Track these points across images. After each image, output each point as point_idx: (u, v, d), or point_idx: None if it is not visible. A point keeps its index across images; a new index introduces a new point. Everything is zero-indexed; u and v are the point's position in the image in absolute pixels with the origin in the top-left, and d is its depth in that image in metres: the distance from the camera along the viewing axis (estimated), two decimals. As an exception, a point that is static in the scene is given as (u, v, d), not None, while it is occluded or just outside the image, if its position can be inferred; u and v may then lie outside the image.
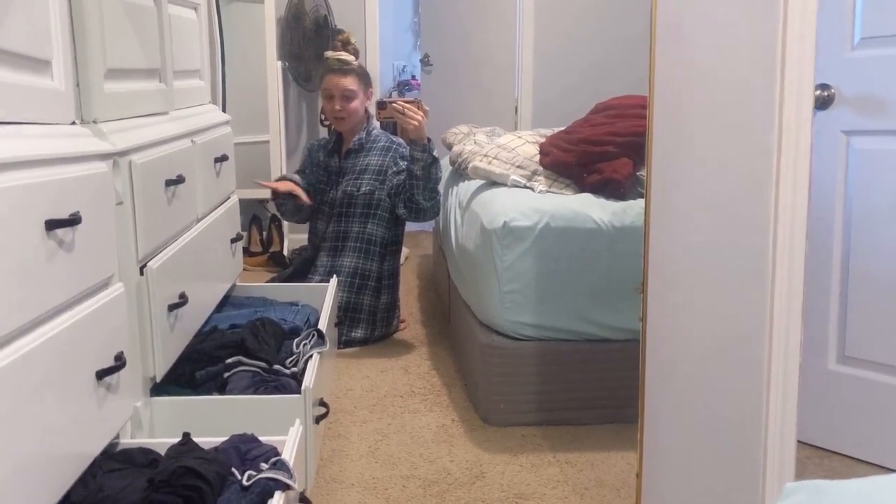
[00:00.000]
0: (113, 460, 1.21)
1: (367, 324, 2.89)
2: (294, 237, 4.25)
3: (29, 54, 1.15)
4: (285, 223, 4.16)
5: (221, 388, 1.68)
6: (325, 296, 2.29)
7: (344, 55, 2.99)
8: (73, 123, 1.33)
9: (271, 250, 4.13)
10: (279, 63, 3.90)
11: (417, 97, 2.95)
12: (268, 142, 3.95)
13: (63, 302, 1.13)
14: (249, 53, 3.84)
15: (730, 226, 1.36)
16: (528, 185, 2.43)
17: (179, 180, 1.70)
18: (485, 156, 2.57)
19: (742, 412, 1.37)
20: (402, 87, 6.09)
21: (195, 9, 2.12)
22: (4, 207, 0.97)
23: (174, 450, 1.20)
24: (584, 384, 2.23)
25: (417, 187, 2.76)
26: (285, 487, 1.15)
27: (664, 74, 1.44)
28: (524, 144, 2.60)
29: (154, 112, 1.72)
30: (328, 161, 3.03)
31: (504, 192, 2.41)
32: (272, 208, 4.12)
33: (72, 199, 1.17)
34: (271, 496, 1.13)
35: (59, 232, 1.12)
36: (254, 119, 3.87)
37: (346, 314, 2.84)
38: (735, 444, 1.39)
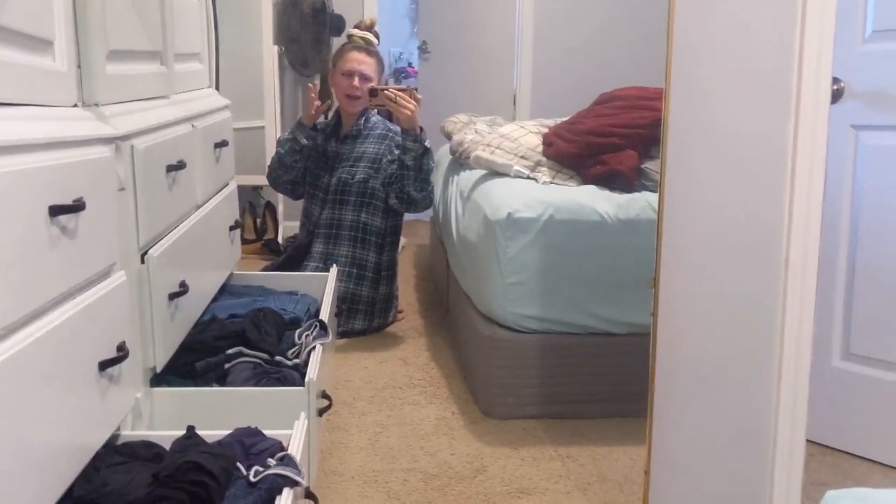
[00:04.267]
0: (116, 453, 1.17)
1: (366, 314, 2.86)
2: (288, 224, 4.20)
3: (30, 32, 1.11)
4: (280, 210, 4.12)
5: (222, 380, 1.65)
6: (325, 285, 2.25)
7: (369, 35, 2.93)
8: (75, 106, 1.28)
9: (265, 237, 4.09)
10: (275, 48, 3.84)
11: (411, 86, 2.89)
12: (262, 127, 3.90)
13: (66, 290, 1.09)
14: (244, 37, 3.78)
15: (744, 223, 1.34)
16: (531, 175, 2.40)
17: (180, 166, 1.66)
18: (487, 145, 2.53)
19: (752, 411, 1.35)
20: (399, 74, 6.04)
21: (196, -10, 2.08)
22: (8, 192, 0.93)
23: (179, 443, 1.17)
24: (587, 378, 2.21)
25: (408, 178, 2.71)
26: (293, 484, 1.12)
27: (682, 66, 1.41)
28: (527, 135, 2.56)
29: (155, 95, 1.68)
30: (325, 145, 2.98)
31: (507, 182, 2.38)
32: (266, 195, 4.08)
33: (75, 185, 1.13)
34: (279, 493, 1.10)
35: (63, 218, 1.08)
36: (248, 104, 3.81)
37: (343, 304, 2.80)
38: (744, 444, 1.37)
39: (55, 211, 1.05)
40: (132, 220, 1.43)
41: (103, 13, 1.36)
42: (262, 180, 3.70)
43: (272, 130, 3.85)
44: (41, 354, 0.99)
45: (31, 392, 0.96)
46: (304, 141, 2.90)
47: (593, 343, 2.21)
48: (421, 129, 2.67)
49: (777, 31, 1.25)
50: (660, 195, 1.46)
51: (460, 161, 2.84)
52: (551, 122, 2.73)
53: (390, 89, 2.65)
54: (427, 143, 2.67)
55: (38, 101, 1.13)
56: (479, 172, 2.57)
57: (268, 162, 3.77)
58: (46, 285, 1.02)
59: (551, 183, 2.36)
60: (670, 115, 1.43)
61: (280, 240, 4.05)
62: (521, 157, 2.45)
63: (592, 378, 2.21)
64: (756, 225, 1.31)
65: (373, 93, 2.74)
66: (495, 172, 2.49)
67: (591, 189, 2.31)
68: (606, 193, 2.26)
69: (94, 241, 1.19)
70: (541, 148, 2.50)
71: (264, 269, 2.95)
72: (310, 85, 2.94)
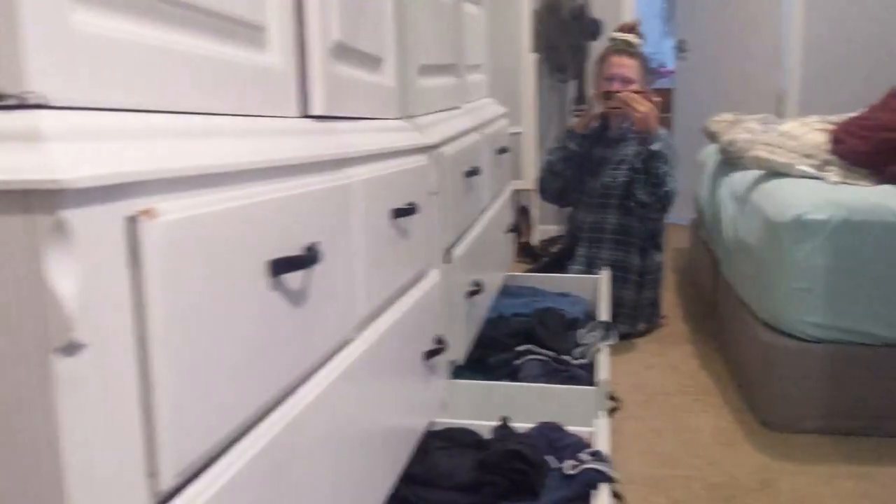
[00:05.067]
0: (438, 438, 1.27)
1: (629, 318, 2.84)
2: (543, 228, 4.28)
3: (373, 53, 1.23)
4: (534, 214, 4.20)
5: (512, 375, 1.72)
6: (595, 288, 2.27)
7: (631, 37, 2.93)
8: (398, 118, 1.41)
9: (521, 241, 4.19)
10: (533, 55, 3.92)
11: (649, 88, 2.81)
12: (520, 133, 4.00)
13: (403, 286, 1.20)
14: (502, 46, 3.90)
15: None
16: (818, 175, 2.26)
17: (475, 171, 1.76)
18: (766, 144, 2.42)
19: None
20: (650, 74, 5.92)
21: (478, 3, 2.18)
22: (368, 197, 1.04)
23: (498, 433, 1.24)
24: (884, 392, 2.04)
25: (637, 181, 2.64)
26: (609, 480, 1.14)
27: None
28: (811, 132, 2.41)
29: (452, 106, 1.79)
30: (590, 149, 2.99)
31: (790, 182, 2.25)
32: (522, 199, 4.17)
33: (406, 190, 1.24)
34: (595, 487, 1.13)
35: (401, 220, 1.18)
36: (507, 110, 3.92)
37: (607, 307, 2.80)
38: None
39: (396, 214, 1.16)
40: (440, 223, 1.54)
41: (418, 31, 1.48)
42: (517, 185, 3.80)
43: (530, 137, 3.94)
44: (388, 343, 1.10)
45: (381, 376, 1.07)
46: (575, 147, 2.94)
47: (891, 355, 2.03)
48: (658, 131, 2.60)
49: None
50: None
51: (731, 161, 2.73)
52: (837, 119, 2.54)
53: (624, 91, 2.62)
54: (655, 147, 2.59)
55: (375, 114, 1.25)
56: (754, 173, 2.46)
57: (524, 167, 3.88)
58: (393, 280, 1.13)
59: (841, 183, 2.20)
60: None
61: (535, 243, 4.12)
62: (806, 155, 2.31)
63: (891, 392, 2.03)
64: None
65: (608, 95, 2.72)
66: (775, 172, 2.37)
67: (888, 189, 2.12)
68: (907, 193, 2.07)
69: (419, 242, 1.30)
70: (827, 146, 2.34)
71: (530, 271, 3.02)
72: (595, 97, 2.95)
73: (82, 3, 0.54)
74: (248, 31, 0.82)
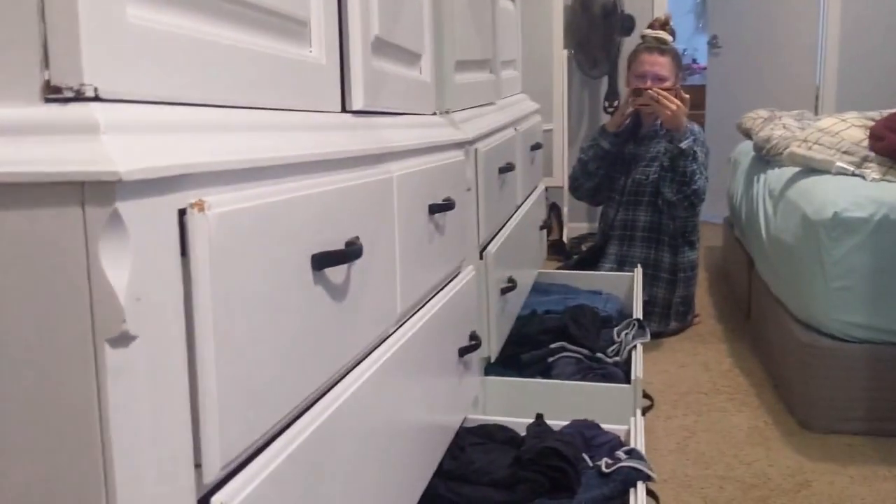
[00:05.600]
0: (473, 434, 1.27)
1: (661, 317, 2.81)
2: (573, 225, 4.26)
3: (411, 49, 1.23)
4: (564, 211, 4.18)
5: (545, 372, 1.71)
6: (629, 286, 2.25)
7: (662, 34, 2.89)
8: (434, 114, 1.40)
9: (551, 238, 4.17)
10: (564, 51, 3.90)
11: (677, 85, 2.78)
12: (551, 130, 3.98)
13: (440, 282, 1.20)
14: (534, 42, 3.88)
15: None
16: (857, 172, 2.22)
17: (509, 167, 1.75)
18: (804, 141, 2.38)
19: None
20: (683, 71, 5.87)
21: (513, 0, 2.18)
22: (407, 191, 1.04)
23: (533, 429, 1.24)
24: (926, 395, 2.00)
25: (664, 178, 2.62)
26: (646, 478, 1.13)
27: None
28: (850, 128, 2.37)
29: (486, 102, 1.78)
30: (622, 147, 2.97)
31: (828, 179, 2.21)
32: (552, 196, 4.16)
33: (442, 186, 1.24)
34: (633, 485, 1.12)
35: (437, 216, 1.18)
36: (539, 106, 3.91)
37: (638, 305, 2.78)
38: None
39: (433, 209, 1.15)
40: (474, 219, 1.53)
41: (453, 27, 1.47)
42: (547, 182, 3.78)
43: (560, 133, 3.92)
44: (425, 339, 1.10)
45: (417, 372, 1.07)
46: (607, 146, 2.92)
47: (935, 357, 1.99)
48: (688, 129, 2.57)
49: None
50: None
51: (767, 158, 2.70)
52: (876, 115, 2.50)
53: (654, 89, 2.59)
54: (684, 145, 2.55)
55: (413, 109, 1.25)
56: (791, 170, 2.42)
57: (555, 164, 3.86)
58: (430, 276, 1.13)
59: (881, 180, 2.16)
60: None
61: (566, 240, 4.10)
62: (845, 152, 2.27)
63: (933, 395, 2.00)
64: None
65: (636, 93, 2.70)
66: (812, 170, 2.33)
67: (931, 186, 2.08)
68: (950, 191, 2.03)
69: (455, 238, 1.30)
70: (866, 142, 2.30)
71: (561, 268, 3.01)
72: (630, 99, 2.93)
73: (134, -3, 0.55)
74: (292, 26, 0.82)
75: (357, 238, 0.80)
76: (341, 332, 0.80)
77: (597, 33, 4.02)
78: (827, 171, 2.27)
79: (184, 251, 0.54)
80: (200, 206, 0.54)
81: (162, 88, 0.57)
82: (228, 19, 0.69)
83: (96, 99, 0.50)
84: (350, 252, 0.76)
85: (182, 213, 0.54)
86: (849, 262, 2.01)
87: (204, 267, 0.54)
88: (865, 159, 2.24)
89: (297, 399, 0.70)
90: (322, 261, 0.71)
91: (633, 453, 1.19)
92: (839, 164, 2.25)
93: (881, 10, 3.90)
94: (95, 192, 0.47)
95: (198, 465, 0.57)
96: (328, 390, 0.79)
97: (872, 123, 2.37)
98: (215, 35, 0.65)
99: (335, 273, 0.76)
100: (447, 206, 1.19)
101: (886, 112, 2.48)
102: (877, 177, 2.18)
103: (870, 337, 2.02)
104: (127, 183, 0.47)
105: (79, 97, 0.49)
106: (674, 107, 2.55)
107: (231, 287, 0.58)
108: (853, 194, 2.05)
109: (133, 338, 0.50)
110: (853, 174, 2.22)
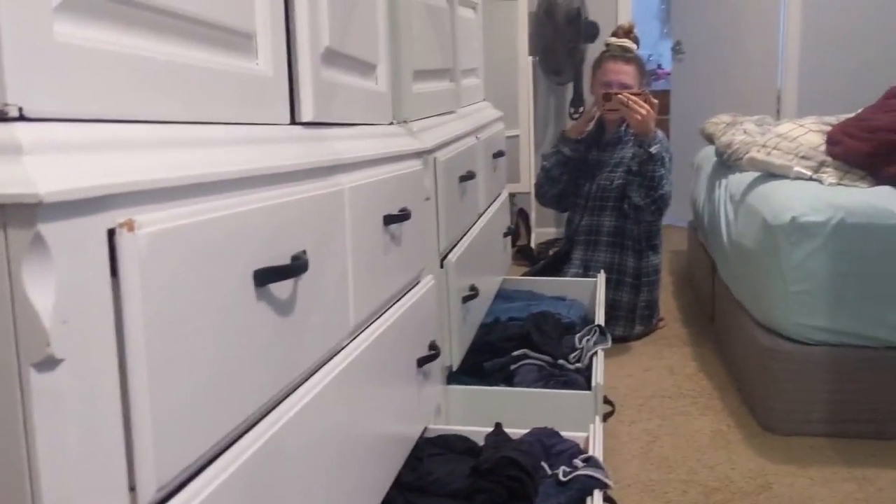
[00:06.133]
0: (432, 445, 1.26)
1: (627, 321, 2.83)
2: (541, 231, 4.27)
3: (365, 59, 1.22)
4: (532, 217, 4.20)
5: (508, 380, 1.71)
6: (592, 291, 2.27)
7: (626, 42, 2.91)
8: (391, 124, 1.40)
9: (519, 244, 4.18)
10: (530, 58, 3.92)
11: (646, 90, 2.80)
12: (517, 136, 3.99)
13: (396, 292, 1.19)
14: (499, 49, 3.90)
15: None
16: (814, 177, 2.25)
17: (470, 176, 1.75)
18: (763, 146, 2.41)
19: None
20: (649, 77, 5.93)
21: (474, 8, 2.18)
22: (359, 203, 1.03)
23: (491, 439, 1.23)
24: (884, 395, 2.03)
25: (632, 183, 2.64)
26: (603, 486, 1.14)
27: None
28: (807, 133, 2.41)
29: (446, 111, 1.78)
30: (587, 153, 2.99)
31: (787, 184, 2.24)
32: (519, 202, 4.17)
33: (400, 196, 1.24)
34: (590, 493, 1.12)
35: (393, 227, 1.18)
36: (503, 114, 3.92)
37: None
38: None
39: (388, 220, 1.15)
40: (434, 228, 1.53)
41: (411, 37, 1.47)
42: (514, 188, 3.80)
43: (526, 139, 3.93)
44: (380, 350, 1.09)
45: (373, 384, 1.06)
46: (569, 152, 2.93)
47: (893, 357, 2.02)
48: (656, 133, 2.60)
49: None
50: None
51: (728, 163, 2.73)
52: (833, 120, 2.54)
53: (624, 93, 2.61)
54: (653, 150, 2.57)
55: (368, 119, 1.25)
56: (751, 175, 2.45)
57: (522, 170, 3.87)
58: (385, 287, 1.13)
59: (838, 184, 2.20)
60: None
61: (533, 246, 4.12)
62: (802, 157, 2.31)
63: (892, 396, 2.03)
64: None
65: (606, 97, 2.72)
66: (771, 175, 2.36)
67: (886, 190, 2.12)
68: (905, 195, 2.07)
69: (412, 248, 1.30)
70: (824, 147, 2.33)
71: (525, 275, 3.02)
72: (594, 101, 2.96)
73: (64, 14, 0.54)
74: (237, 39, 0.81)
75: (304, 252, 0.79)
76: (288, 347, 0.79)
77: (561, 40, 4.04)
78: (785, 176, 2.31)
79: (114, 272, 0.53)
80: (130, 225, 0.53)
81: (94, 106, 0.56)
82: (167, 34, 0.68)
83: (21, 119, 0.49)
84: (295, 266, 0.75)
85: (112, 233, 0.53)
86: (807, 266, 2.04)
87: (135, 287, 0.53)
88: (823, 164, 2.28)
89: (239, 417, 0.69)
90: (265, 276, 0.71)
91: (590, 461, 1.19)
92: (797, 169, 2.28)
93: (840, 17, 3.96)
94: (16, 215, 0.46)
95: (132, 488, 0.56)
96: (276, 406, 0.78)
97: (830, 128, 2.41)
98: (151, 50, 0.64)
99: (280, 288, 0.76)
100: (403, 216, 1.18)
101: (844, 117, 2.53)
102: (834, 181, 2.21)
103: (829, 340, 2.05)
104: (49, 205, 0.47)
105: (2, 117, 0.48)
106: (643, 111, 2.57)
107: (166, 307, 0.57)
108: (811, 199, 2.08)
109: (59, 361, 0.49)
110: (811, 179, 2.26)
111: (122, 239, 0.53)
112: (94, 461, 0.52)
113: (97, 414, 0.52)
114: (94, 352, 0.52)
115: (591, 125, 3.01)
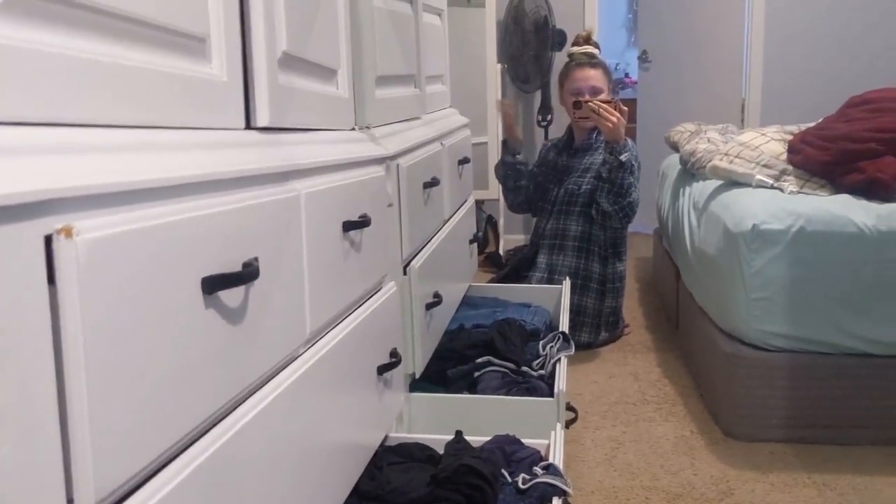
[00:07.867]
0: (393, 453, 1.25)
1: (593, 327, 2.85)
2: (509, 237, 4.28)
3: (325, 64, 1.22)
4: (501, 223, 4.21)
5: (471, 387, 1.71)
6: (557, 298, 2.27)
7: (589, 48, 2.94)
8: (353, 129, 1.39)
9: (487, 250, 4.19)
10: (498, 66, 3.93)
11: (616, 98, 2.82)
12: (485, 143, 4.00)
13: (356, 300, 1.18)
14: (468, 56, 3.91)
15: None
16: (776, 185, 2.28)
17: (434, 182, 1.75)
18: (725, 154, 2.44)
19: None
20: (616, 85, 5.98)
21: (440, 14, 2.18)
22: (317, 209, 1.02)
23: (451, 447, 1.23)
24: (843, 401, 2.06)
25: (602, 189, 2.66)
26: (561, 493, 1.14)
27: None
28: (769, 142, 2.44)
29: (411, 117, 1.78)
30: (556, 159, 3.01)
31: (749, 192, 2.27)
32: (488, 208, 4.18)
33: (359, 202, 1.23)
34: (549, 501, 1.12)
35: (352, 233, 1.17)
36: (471, 121, 3.92)
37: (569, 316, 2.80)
38: None
39: (347, 226, 1.14)
40: (397, 234, 1.52)
41: (374, 43, 1.47)
42: (483, 195, 3.81)
43: (494, 146, 3.94)
44: (339, 358, 1.08)
45: (330, 392, 1.05)
46: (510, 159, 2.97)
47: (851, 364, 2.05)
48: (627, 141, 2.62)
49: None
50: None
51: (692, 172, 2.76)
52: (794, 129, 2.58)
53: (594, 101, 2.63)
54: (624, 158, 2.59)
55: (328, 125, 1.24)
56: (714, 183, 2.48)
57: (490, 177, 3.88)
58: (344, 295, 1.12)
59: (799, 192, 2.23)
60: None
61: (501, 252, 4.13)
62: (764, 165, 2.34)
63: (850, 402, 2.06)
64: None
65: (577, 105, 2.74)
66: (734, 183, 2.39)
67: (845, 198, 2.15)
68: (864, 203, 2.10)
69: (373, 254, 1.29)
70: (785, 156, 2.37)
71: (490, 281, 3.02)
72: (503, 101, 3.00)
73: (2, 14, 0.53)
74: (189, 42, 0.80)
75: (255, 259, 0.78)
76: (240, 355, 0.78)
77: (529, 48, 4.06)
78: (747, 184, 2.33)
79: (52, 279, 0.52)
80: (68, 231, 0.51)
81: (31, 110, 0.55)
82: (113, 37, 0.67)
83: (-48, 121, 0.48)
84: (246, 273, 0.74)
85: (49, 239, 0.51)
86: (768, 272, 2.06)
87: (72, 295, 0.52)
88: (784, 172, 2.31)
89: (187, 426, 0.68)
90: (214, 284, 0.69)
91: (550, 468, 1.19)
92: (759, 177, 2.31)
93: (803, 29, 4.03)
94: (-54, 220, 0.45)
95: (70, 500, 0.54)
96: (227, 414, 0.77)
97: (791, 137, 2.44)
98: (96, 53, 0.63)
99: (230, 296, 0.74)
100: (363, 222, 1.17)
101: (805, 126, 2.56)
102: (794, 189, 2.24)
103: (789, 346, 2.08)
104: (-20, 209, 0.45)
105: (-68, 119, 0.47)
106: (614, 119, 2.58)
107: (107, 315, 0.56)
108: (771, 207, 2.11)
109: (-9, 370, 0.47)
110: (772, 187, 2.28)
111: (60, 245, 0.51)
112: (29, 473, 0.51)
113: (33, 425, 0.51)
114: (29, 362, 0.50)
115: (512, 132, 3.01)
